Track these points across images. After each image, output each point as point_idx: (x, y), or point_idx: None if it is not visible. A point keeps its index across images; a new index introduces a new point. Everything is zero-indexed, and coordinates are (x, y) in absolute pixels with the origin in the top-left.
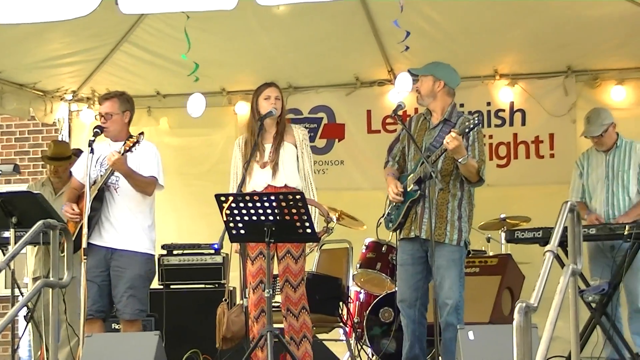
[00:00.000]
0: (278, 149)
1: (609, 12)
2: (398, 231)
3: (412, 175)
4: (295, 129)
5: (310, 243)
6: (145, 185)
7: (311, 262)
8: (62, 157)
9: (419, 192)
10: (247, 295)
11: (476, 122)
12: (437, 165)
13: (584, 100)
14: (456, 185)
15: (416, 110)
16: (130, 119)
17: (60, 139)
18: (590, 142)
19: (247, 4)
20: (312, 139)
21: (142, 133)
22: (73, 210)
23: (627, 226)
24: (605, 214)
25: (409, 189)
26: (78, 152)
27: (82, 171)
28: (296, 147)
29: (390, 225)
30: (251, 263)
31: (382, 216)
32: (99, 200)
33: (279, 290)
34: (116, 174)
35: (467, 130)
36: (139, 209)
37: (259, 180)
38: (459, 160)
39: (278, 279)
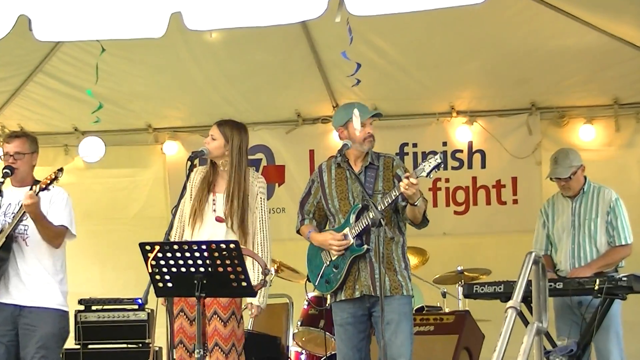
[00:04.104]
0: (235, 203)
1: (575, 43)
2: (336, 292)
3: (347, 229)
4: (252, 179)
5: (253, 309)
6: (54, 235)
7: (246, 320)
8: None
9: (365, 246)
10: (174, 357)
11: (438, 161)
12: (384, 214)
13: (550, 140)
14: (396, 232)
15: None
16: (36, 163)
17: None
18: (557, 187)
19: (176, 32)
20: None
21: (61, 169)
22: None
23: (597, 280)
24: (570, 266)
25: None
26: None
27: None
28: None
29: (329, 287)
30: (174, 320)
31: (307, 279)
32: (6, 250)
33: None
34: (25, 222)
35: (426, 173)
36: (50, 261)
37: (214, 233)
38: (415, 203)
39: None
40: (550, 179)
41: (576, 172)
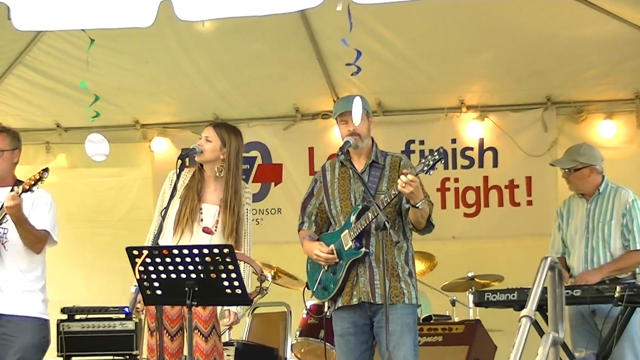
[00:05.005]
0: (232, 211)
1: (594, 33)
2: (335, 299)
3: (346, 231)
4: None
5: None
6: (35, 240)
7: (242, 329)
8: None
9: (363, 249)
10: None
11: (437, 157)
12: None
13: (567, 137)
14: (400, 235)
15: None
16: (18, 160)
17: None
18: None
19: (165, 21)
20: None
21: (46, 169)
22: None
23: (617, 287)
24: (583, 271)
25: (346, 248)
26: None
27: None
28: None
29: (326, 293)
30: (150, 335)
31: (306, 286)
32: None
33: None
34: (4, 225)
35: (425, 169)
36: (29, 267)
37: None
38: (417, 205)
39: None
40: (556, 166)
41: (580, 169)
